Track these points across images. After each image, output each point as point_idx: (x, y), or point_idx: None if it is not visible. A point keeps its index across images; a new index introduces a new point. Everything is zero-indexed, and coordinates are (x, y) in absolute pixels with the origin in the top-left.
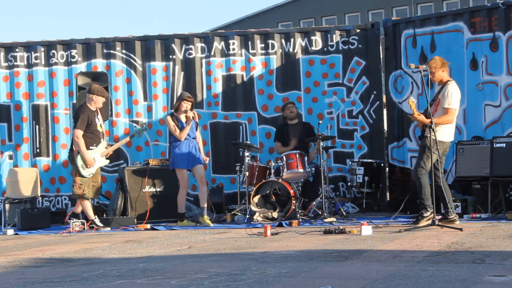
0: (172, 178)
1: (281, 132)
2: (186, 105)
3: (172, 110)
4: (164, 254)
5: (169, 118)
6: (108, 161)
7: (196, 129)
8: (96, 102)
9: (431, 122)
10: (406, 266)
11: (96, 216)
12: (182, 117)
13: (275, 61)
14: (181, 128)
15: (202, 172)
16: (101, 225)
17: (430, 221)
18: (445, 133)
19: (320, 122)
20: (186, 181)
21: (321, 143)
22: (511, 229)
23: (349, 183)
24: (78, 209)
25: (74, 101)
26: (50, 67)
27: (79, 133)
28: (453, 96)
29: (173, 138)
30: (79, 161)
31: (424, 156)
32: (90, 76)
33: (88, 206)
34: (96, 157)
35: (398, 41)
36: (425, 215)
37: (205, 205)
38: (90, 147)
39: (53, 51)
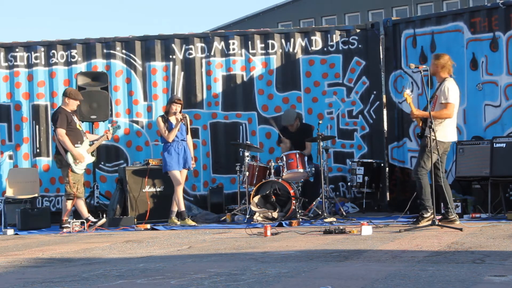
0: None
1: (283, 136)
2: (175, 107)
3: (163, 113)
4: (164, 254)
5: (159, 119)
6: (94, 158)
7: (187, 133)
8: (69, 105)
9: (431, 122)
10: (406, 266)
11: (89, 214)
12: (173, 119)
13: (275, 61)
14: (170, 130)
15: (183, 178)
16: (96, 220)
17: (430, 222)
18: (447, 134)
19: (320, 122)
20: (179, 180)
21: (321, 143)
22: (511, 229)
23: (349, 183)
24: (67, 213)
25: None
26: (50, 67)
27: (62, 131)
28: (450, 91)
29: (162, 139)
30: (70, 158)
31: (424, 156)
32: (90, 76)
33: (81, 205)
34: (84, 154)
35: (398, 41)
36: (425, 215)
37: (174, 210)
38: (75, 145)
39: (53, 51)
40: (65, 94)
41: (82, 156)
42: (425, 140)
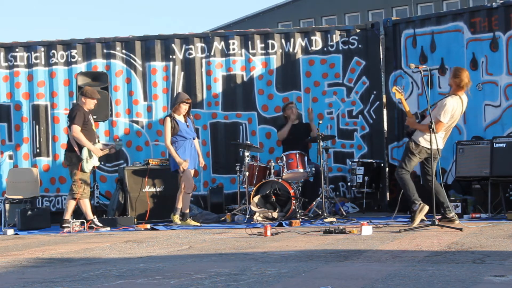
0: (172, 178)
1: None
2: (185, 107)
3: (171, 111)
4: (164, 254)
5: (168, 119)
6: (99, 163)
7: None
8: (87, 104)
9: (431, 122)
10: (406, 266)
11: (95, 216)
12: (180, 118)
13: (275, 61)
14: (180, 130)
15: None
16: (100, 224)
17: (422, 213)
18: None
19: (320, 122)
20: (192, 181)
21: (321, 143)
22: (511, 229)
23: (349, 183)
24: (69, 212)
25: (74, 101)
26: (50, 67)
27: (78, 128)
28: (445, 110)
29: (173, 138)
30: (84, 154)
31: (406, 158)
32: (90, 76)
33: (87, 205)
34: (93, 156)
35: (398, 41)
36: (414, 208)
37: (179, 206)
38: None
39: (53, 51)
40: (82, 93)
41: (99, 150)
42: (409, 143)
